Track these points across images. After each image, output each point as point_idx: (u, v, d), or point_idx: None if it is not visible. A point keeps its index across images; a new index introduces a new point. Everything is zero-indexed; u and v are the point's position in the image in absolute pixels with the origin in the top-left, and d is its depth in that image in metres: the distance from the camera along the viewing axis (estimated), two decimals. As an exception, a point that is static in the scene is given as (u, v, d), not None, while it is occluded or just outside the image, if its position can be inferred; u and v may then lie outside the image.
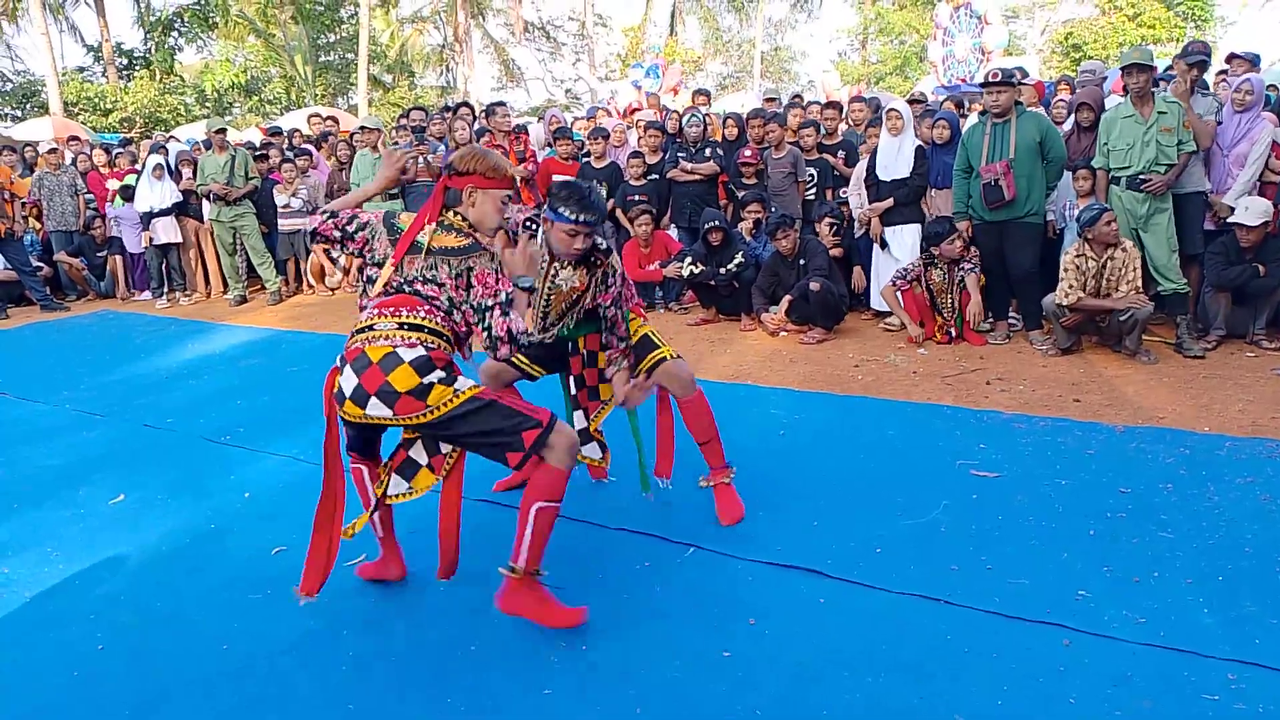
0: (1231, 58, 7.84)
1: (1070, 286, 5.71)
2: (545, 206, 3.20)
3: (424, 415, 2.64)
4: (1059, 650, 2.66)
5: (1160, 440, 4.32)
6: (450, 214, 2.82)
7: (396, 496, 2.95)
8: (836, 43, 43.45)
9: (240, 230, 9.61)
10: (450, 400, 2.64)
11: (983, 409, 4.93)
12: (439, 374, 2.66)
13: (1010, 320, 6.67)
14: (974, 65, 13.27)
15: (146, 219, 9.81)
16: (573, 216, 3.11)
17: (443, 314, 2.76)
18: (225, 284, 10.13)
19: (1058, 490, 3.80)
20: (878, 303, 7.24)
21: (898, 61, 29.54)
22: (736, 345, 6.80)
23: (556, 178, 3.50)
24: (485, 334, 2.77)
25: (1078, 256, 5.74)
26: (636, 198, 7.95)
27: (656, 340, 3.58)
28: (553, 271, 3.33)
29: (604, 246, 3.30)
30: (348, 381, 2.68)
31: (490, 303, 2.76)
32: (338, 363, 2.75)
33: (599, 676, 2.65)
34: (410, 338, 2.68)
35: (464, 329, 2.83)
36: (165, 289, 10.18)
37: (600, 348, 3.52)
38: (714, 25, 34.28)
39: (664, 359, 3.53)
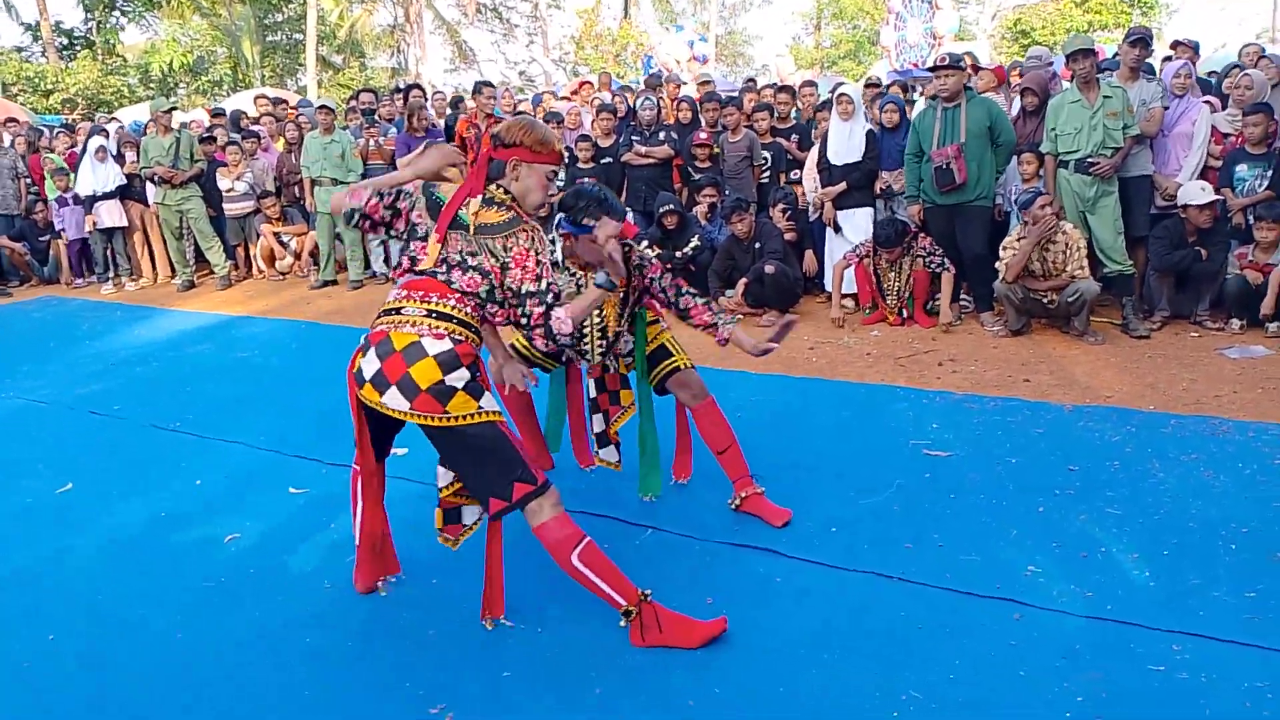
0: (1175, 44, 8.01)
1: (1007, 265, 5.84)
2: (561, 222, 3.11)
3: (440, 419, 2.52)
4: (1009, 624, 2.71)
5: (1107, 419, 4.41)
6: (493, 187, 2.66)
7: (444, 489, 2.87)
8: (790, 26, 43.66)
9: (186, 214, 9.41)
10: (472, 415, 2.54)
11: (935, 389, 5.00)
12: (464, 375, 2.54)
13: (962, 302, 6.75)
14: (925, 50, 13.38)
15: (89, 202, 9.58)
16: (588, 227, 3.06)
17: (474, 304, 2.62)
18: (172, 269, 9.94)
19: (1008, 468, 3.86)
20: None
21: (851, 46, 29.71)
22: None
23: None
24: (523, 320, 2.61)
25: (1019, 239, 5.86)
26: (586, 181, 7.92)
27: (672, 349, 3.55)
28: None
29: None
30: (369, 365, 2.56)
31: (530, 288, 2.58)
32: (362, 342, 2.63)
33: (557, 659, 2.65)
34: (438, 328, 2.55)
35: (500, 320, 2.70)
36: (111, 274, 9.96)
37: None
38: (668, 8, 34.14)
39: (677, 368, 3.52)
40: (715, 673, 2.54)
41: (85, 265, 10.31)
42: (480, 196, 2.65)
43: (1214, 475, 3.70)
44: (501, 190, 2.66)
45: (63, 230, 10.10)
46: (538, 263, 2.60)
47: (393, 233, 2.73)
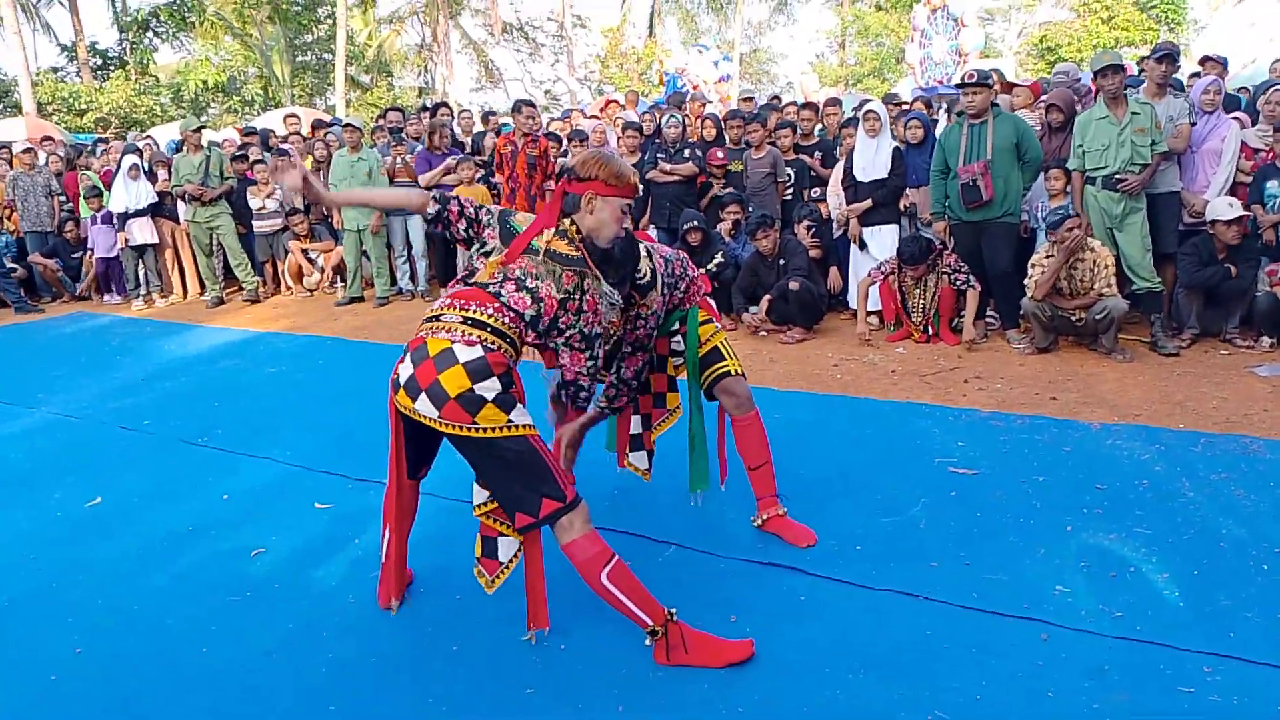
0: (1205, 60, 7.96)
1: (1036, 283, 5.82)
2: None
3: (468, 430, 2.50)
4: (1037, 645, 2.68)
5: (1136, 437, 4.36)
6: (566, 221, 2.67)
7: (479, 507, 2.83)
8: (815, 44, 43.77)
9: (216, 231, 9.53)
10: (501, 428, 2.51)
11: (961, 407, 4.97)
12: (495, 385, 2.51)
13: (988, 319, 6.71)
14: (951, 67, 13.36)
15: (122, 220, 9.72)
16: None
17: (514, 317, 2.59)
18: (202, 285, 10.06)
19: (1035, 487, 3.83)
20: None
21: (876, 63, 29.67)
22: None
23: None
24: (587, 360, 2.67)
25: (1047, 257, 5.83)
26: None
27: (725, 352, 3.47)
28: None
29: (644, 281, 3.03)
30: (405, 370, 2.56)
31: (599, 331, 2.67)
32: (404, 349, 2.63)
33: (581, 676, 2.65)
34: (471, 334, 2.53)
35: (530, 341, 2.69)
36: (142, 290, 10.08)
37: (632, 352, 3.33)
38: (693, 26, 34.29)
39: (727, 373, 3.44)
40: (739, 690, 2.53)
41: (116, 284, 10.45)
42: (554, 229, 2.66)
43: (1245, 494, 3.65)
44: (574, 226, 2.67)
45: (92, 249, 10.26)
46: (598, 311, 2.68)
47: (474, 232, 2.73)
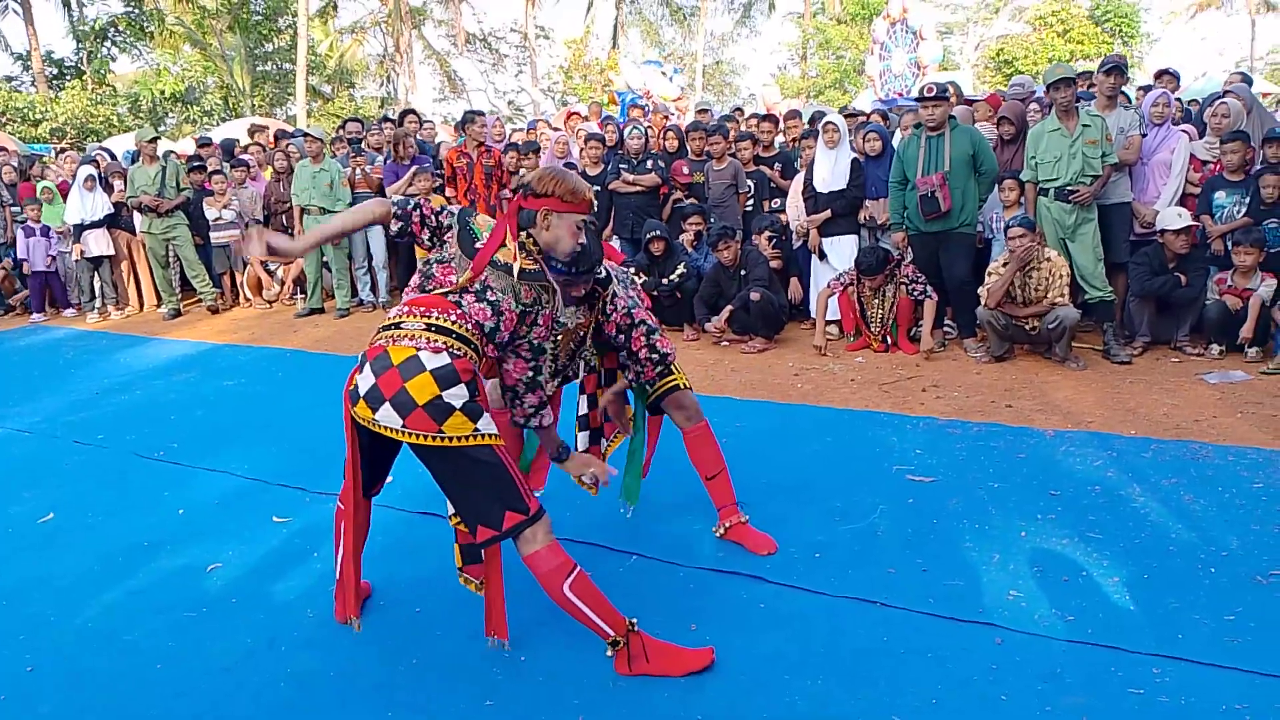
0: (1161, 74, 8.14)
1: (989, 292, 5.92)
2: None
3: (433, 439, 2.46)
4: (992, 649, 2.72)
5: (1089, 444, 4.44)
6: (524, 234, 2.65)
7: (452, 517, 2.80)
8: (777, 56, 44.13)
9: (173, 242, 9.42)
10: (468, 438, 2.48)
11: (918, 415, 5.03)
12: (462, 392, 2.48)
13: (945, 328, 6.80)
14: (910, 80, 13.54)
15: (78, 231, 9.58)
16: (565, 268, 2.94)
17: (475, 325, 2.57)
18: (158, 297, 9.93)
19: (990, 493, 3.88)
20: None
21: (837, 76, 29.98)
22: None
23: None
24: (529, 369, 2.71)
25: (1003, 265, 5.92)
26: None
27: (672, 367, 3.48)
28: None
29: (602, 275, 3.09)
30: (365, 380, 2.50)
31: (547, 347, 2.73)
32: (359, 359, 2.57)
33: (541, 687, 2.64)
34: (436, 340, 2.49)
35: (492, 355, 2.70)
36: (100, 303, 9.93)
37: (619, 368, 3.43)
38: (656, 39, 34.48)
39: (676, 387, 3.46)
40: (700, 698, 2.54)
41: (49, 299, 10.28)
42: (516, 243, 2.64)
43: (1194, 499, 3.73)
44: (531, 239, 2.66)
45: (25, 260, 10.02)
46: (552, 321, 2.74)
47: (439, 237, 2.73)
